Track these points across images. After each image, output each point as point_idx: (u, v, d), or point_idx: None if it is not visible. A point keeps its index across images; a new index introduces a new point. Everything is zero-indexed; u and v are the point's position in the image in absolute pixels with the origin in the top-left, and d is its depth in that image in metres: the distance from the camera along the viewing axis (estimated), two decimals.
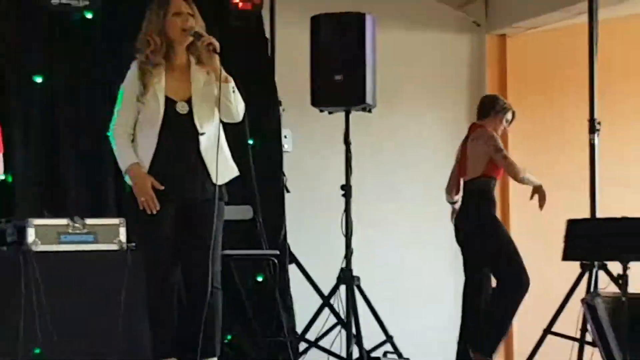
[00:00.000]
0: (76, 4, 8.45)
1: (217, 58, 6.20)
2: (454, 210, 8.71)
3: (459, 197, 8.70)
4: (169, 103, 6.24)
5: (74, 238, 7.66)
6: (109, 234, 7.71)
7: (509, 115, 8.67)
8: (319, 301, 8.59)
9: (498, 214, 8.78)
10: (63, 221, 7.66)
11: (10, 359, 7.24)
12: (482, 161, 8.45)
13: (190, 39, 6.25)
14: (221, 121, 6.34)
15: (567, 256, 8.07)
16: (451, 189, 8.75)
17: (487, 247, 8.36)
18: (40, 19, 8.49)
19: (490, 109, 8.70)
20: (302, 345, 8.64)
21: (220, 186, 6.33)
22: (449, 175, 8.74)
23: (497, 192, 8.68)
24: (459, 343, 8.55)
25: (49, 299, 7.36)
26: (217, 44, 6.17)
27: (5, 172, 7.59)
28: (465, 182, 8.61)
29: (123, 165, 6.30)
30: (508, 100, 9.40)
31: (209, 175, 6.29)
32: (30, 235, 7.53)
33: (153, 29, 6.28)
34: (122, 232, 7.64)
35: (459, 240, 8.65)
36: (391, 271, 9.48)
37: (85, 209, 8.14)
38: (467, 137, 8.72)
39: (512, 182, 8.97)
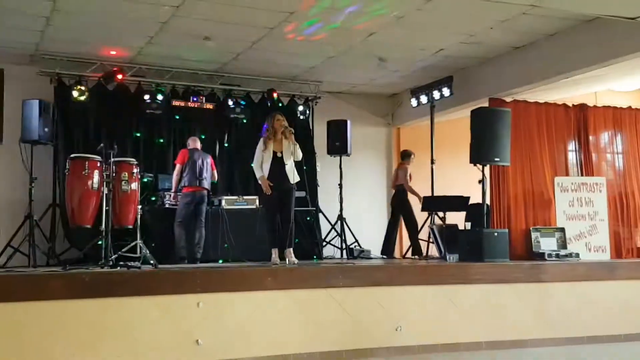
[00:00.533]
0: (241, 117, 8.64)
1: (292, 136, 6.23)
2: (393, 194, 8.45)
3: (393, 191, 8.52)
4: (275, 153, 6.23)
5: (240, 204, 7.59)
6: (253, 202, 7.64)
7: (412, 158, 8.50)
8: (329, 227, 8.53)
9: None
10: (234, 197, 7.64)
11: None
12: (400, 178, 8.35)
13: (283, 129, 6.23)
14: (294, 160, 6.33)
15: (424, 209, 8.06)
16: (392, 188, 8.56)
17: (402, 210, 8.24)
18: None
19: (406, 155, 8.52)
20: (324, 243, 8.55)
21: (293, 184, 6.29)
22: (392, 183, 8.52)
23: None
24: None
25: (231, 231, 7.25)
26: (292, 130, 6.27)
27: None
28: (395, 186, 8.46)
29: (258, 175, 6.26)
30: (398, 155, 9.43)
31: (289, 179, 6.22)
32: (223, 202, 7.52)
33: (270, 125, 6.28)
34: (257, 201, 7.60)
35: (393, 206, 8.40)
36: (357, 216, 9.26)
37: (244, 192, 8.08)
38: (397, 169, 8.48)
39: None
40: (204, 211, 7.14)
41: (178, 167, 7.07)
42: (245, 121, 8.55)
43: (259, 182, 6.25)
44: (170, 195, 7.17)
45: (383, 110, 10.08)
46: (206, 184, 7.12)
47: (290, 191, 6.26)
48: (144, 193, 6.91)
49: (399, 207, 8.29)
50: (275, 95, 8.63)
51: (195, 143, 7.30)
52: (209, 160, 7.28)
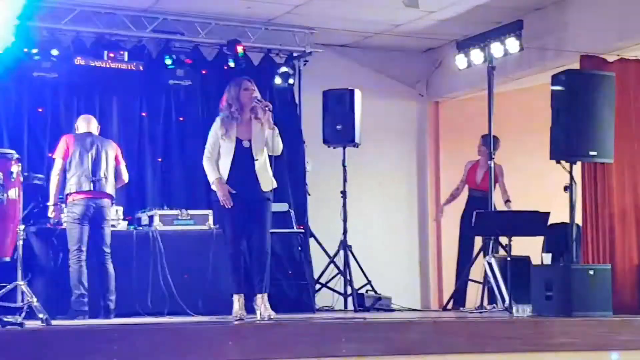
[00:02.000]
0: (184, 83, 8.50)
1: (269, 114, 6.16)
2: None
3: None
4: (239, 142, 6.19)
5: (183, 223, 7.66)
6: (203, 220, 7.70)
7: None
8: (327, 260, 8.55)
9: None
10: (173, 212, 7.69)
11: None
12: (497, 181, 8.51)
13: (254, 103, 6.21)
14: (269, 154, 6.28)
15: (476, 231, 8.06)
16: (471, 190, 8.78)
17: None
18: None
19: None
20: (317, 287, 8.57)
21: (268, 191, 6.26)
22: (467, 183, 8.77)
23: None
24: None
25: (166, 261, 7.36)
26: (271, 106, 6.22)
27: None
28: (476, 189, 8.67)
29: (210, 178, 6.24)
30: (440, 142, 9.43)
31: (261, 184, 6.20)
32: (156, 220, 7.59)
33: (232, 98, 6.27)
34: (211, 219, 7.64)
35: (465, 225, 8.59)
36: (369, 242, 9.40)
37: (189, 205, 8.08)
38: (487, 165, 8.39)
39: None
40: (106, 234, 7.09)
41: (58, 162, 7.04)
42: (191, 90, 8.57)
43: (213, 187, 6.22)
44: (58, 206, 7.09)
45: (412, 74, 10.11)
46: (107, 187, 7.09)
47: (263, 203, 6.24)
48: (29, 205, 6.82)
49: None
50: (240, 49, 8.60)
51: (87, 124, 7.24)
52: (112, 149, 7.23)
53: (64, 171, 7.00)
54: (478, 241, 8.36)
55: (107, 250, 7.06)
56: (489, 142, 8.29)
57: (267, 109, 6.17)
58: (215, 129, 6.24)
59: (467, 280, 8.32)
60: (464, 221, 8.59)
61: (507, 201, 8.58)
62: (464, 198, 8.86)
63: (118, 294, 7.03)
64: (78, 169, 6.97)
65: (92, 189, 6.98)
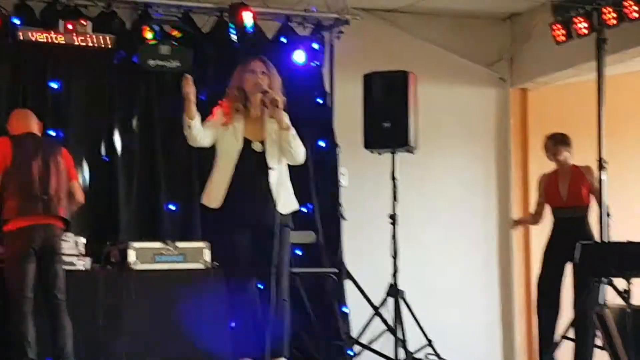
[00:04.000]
0: (169, 65, 8.52)
1: (279, 111, 6.20)
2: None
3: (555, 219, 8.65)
4: (248, 143, 6.24)
5: (169, 259, 7.72)
6: (197, 255, 7.76)
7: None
8: (370, 311, 8.51)
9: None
10: (158, 244, 7.72)
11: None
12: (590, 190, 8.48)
13: (265, 95, 6.22)
14: (287, 163, 6.37)
15: (579, 273, 7.98)
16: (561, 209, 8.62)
17: None
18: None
19: (565, 143, 8.63)
20: (357, 349, 8.55)
21: (286, 214, 6.31)
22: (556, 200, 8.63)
23: None
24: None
25: (145, 312, 7.45)
26: (279, 100, 6.21)
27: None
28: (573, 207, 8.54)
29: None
30: (529, 144, 9.41)
31: (274, 204, 6.20)
32: (131, 255, 7.59)
33: (234, 84, 6.30)
34: (207, 252, 7.66)
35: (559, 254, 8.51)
36: (430, 286, 9.42)
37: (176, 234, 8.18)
38: (578, 171, 8.54)
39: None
40: (60, 275, 7.08)
41: None
42: (179, 75, 8.40)
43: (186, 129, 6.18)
44: None
45: (490, 50, 10.20)
46: (59, 210, 7.12)
47: (280, 231, 6.26)
48: None
49: (568, 253, 8.10)
50: (246, 17, 8.66)
51: (26, 122, 7.28)
52: (63, 157, 7.27)
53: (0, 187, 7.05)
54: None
55: (61, 296, 7.07)
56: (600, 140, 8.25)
57: (275, 103, 6.20)
58: (215, 117, 6.34)
59: (560, 336, 8.31)
60: (552, 254, 8.52)
61: (607, 215, 8.48)
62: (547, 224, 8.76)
63: (78, 357, 7.03)
64: (18, 184, 7.01)
65: (40, 212, 7.02)
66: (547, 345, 8.44)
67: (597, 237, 8.35)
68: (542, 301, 8.64)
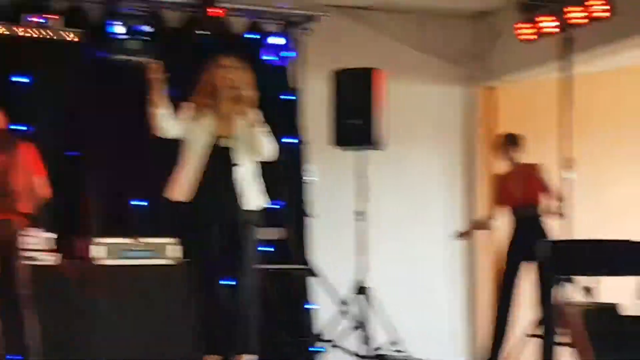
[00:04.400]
0: (138, 60, 8.48)
1: (248, 108, 6.28)
2: None
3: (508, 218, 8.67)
4: (217, 140, 6.28)
5: (137, 255, 7.68)
6: (165, 251, 7.76)
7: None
8: (337, 308, 8.56)
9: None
10: (123, 241, 7.75)
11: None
12: (542, 189, 8.50)
13: (233, 90, 6.23)
14: (256, 160, 6.40)
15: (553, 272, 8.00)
16: (510, 210, 8.65)
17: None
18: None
19: (514, 142, 8.65)
20: (325, 346, 8.59)
21: (255, 210, 6.35)
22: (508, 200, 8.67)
23: None
24: None
25: (112, 308, 7.42)
26: (248, 97, 6.28)
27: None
28: (523, 206, 8.55)
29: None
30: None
31: (242, 200, 6.29)
32: (98, 251, 7.53)
33: (204, 78, 6.30)
34: (176, 248, 7.68)
35: (514, 253, 8.59)
36: (398, 283, 9.44)
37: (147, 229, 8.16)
38: (522, 168, 8.56)
39: None
40: (20, 270, 6.93)
41: None
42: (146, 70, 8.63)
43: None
44: None
45: (459, 48, 10.18)
46: (20, 205, 7.07)
47: (247, 228, 6.29)
48: None
49: (527, 252, 8.23)
50: (215, 12, 8.68)
51: None
52: (24, 151, 7.15)
53: None
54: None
55: (24, 291, 6.97)
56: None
57: (243, 100, 6.25)
58: (186, 105, 6.37)
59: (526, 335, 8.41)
60: (513, 253, 8.50)
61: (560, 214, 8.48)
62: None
63: (46, 352, 6.97)
64: None
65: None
66: (500, 341, 8.47)
67: (553, 235, 8.39)
68: (499, 297, 8.66)
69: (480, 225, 9.03)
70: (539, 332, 8.31)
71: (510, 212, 8.60)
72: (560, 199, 8.41)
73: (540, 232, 8.32)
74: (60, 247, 7.63)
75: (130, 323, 7.45)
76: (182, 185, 6.26)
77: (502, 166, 8.69)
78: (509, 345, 8.48)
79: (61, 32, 8.28)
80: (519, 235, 8.44)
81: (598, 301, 7.40)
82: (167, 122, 6.25)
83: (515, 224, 8.55)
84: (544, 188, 8.44)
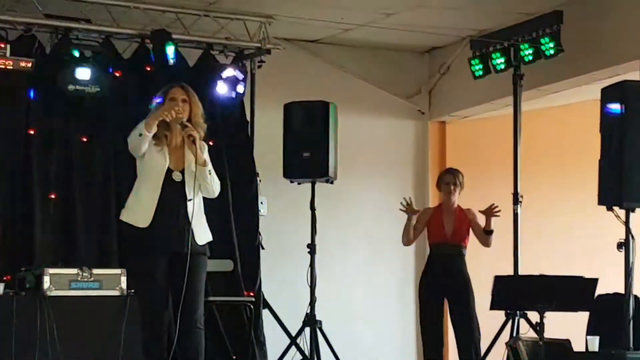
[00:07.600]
0: (89, 90, 8.44)
1: (196, 147, 6.15)
2: None
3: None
4: (169, 172, 6.20)
5: (84, 286, 7.53)
6: (113, 282, 7.59)
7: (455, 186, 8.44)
8: (287, 340, 8.51)
9: None
10: (73, 270, 7.55)
11: None
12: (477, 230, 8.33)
13: (185, 127, 6.18)
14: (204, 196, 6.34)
15: (494, 306, 8.02)
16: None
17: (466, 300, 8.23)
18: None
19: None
20: None
21: (204, 245, 6.28)
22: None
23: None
24: None
25: (60, 338, 7.27)
26: (195, 136, 6.14)
27: None
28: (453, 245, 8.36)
29: (139, 127, 6.13)
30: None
31: (193, 234, 6.19)
32: (46, 281, 7.39)
33: (158, 109, 6.25)
34: (123, 280, 7.54)
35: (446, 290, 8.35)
36: (348, 314, 9.44)
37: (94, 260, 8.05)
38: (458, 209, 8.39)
39: None
40: None
41: None
42: (99, 100, 8.58)
43: (145, 130, 6.09)
44: None
45: (410, 83, 10.33)
46: None
47: (197, 260, 6.27)
48: None
49: (460, 293, 8.18)
50: (169, 43, 8.67)
51: None
52: None
53: None
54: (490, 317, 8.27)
55: None
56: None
57: (192, 139, 6.14)
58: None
59: None
60: (431, 291, 8.26)
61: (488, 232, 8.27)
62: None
63: None
64: None
65: None
66: None
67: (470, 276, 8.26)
68: (426, 339, 8.37)
69: (410, 227, 8.46)
70: None
71: (432, 247, 8.41)
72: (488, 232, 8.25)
73: (460, 272, 8.18)
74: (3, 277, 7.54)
75: (78, 355, 7.28)
76: (144, 211, 6.19)
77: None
78: None
79: (12, 61, 8.23)
80: (437, 272, 8.23)
81: (546, 336, 7.40)
82: (145, 145, 6.20)
83: (435, 259, 8.32)
84: (475, 231, 8.24)
